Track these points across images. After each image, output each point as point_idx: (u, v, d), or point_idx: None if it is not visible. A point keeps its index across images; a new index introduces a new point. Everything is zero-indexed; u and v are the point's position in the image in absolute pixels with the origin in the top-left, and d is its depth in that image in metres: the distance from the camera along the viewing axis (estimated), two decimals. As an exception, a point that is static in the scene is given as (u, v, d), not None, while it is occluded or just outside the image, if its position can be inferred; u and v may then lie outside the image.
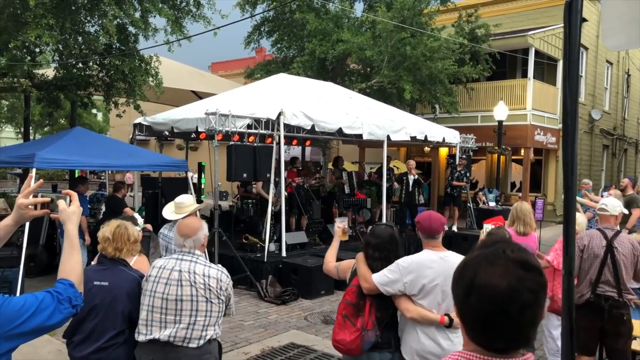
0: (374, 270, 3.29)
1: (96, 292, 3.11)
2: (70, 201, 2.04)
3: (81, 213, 2.05)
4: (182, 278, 3.08)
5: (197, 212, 8.61)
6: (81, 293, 1.87)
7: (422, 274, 3.14)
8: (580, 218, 5.29)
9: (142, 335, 3.12)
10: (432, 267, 3.16)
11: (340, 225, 3.94)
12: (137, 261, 3.84)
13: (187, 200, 4.91)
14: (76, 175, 12.65)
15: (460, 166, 12.89)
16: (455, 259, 3.21)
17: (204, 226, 3.28)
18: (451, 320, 3.11)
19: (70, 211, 2.00)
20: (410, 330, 3.21)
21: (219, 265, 3.27)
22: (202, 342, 3.07)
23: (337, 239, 3.91)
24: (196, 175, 15.48)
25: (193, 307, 3.06)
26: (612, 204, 4.69)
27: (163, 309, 3.07)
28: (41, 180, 2.41)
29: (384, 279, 3.21)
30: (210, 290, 3.09)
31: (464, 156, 13.16)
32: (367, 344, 3.22)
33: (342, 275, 3.68)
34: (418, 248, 3.42)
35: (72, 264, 1.91)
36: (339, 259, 3.90)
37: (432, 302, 3.15)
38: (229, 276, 3.25)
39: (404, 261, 3.22)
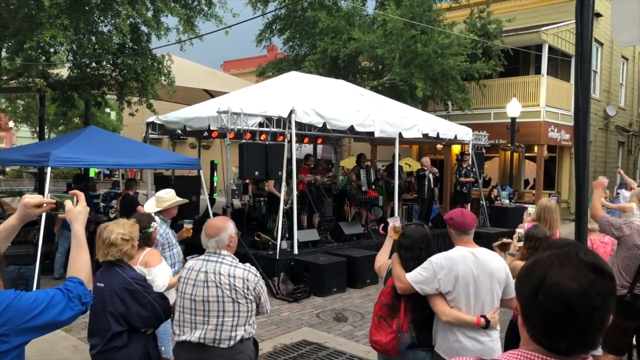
0: (408, 270, 3.32)
1: (96, 294, 3.14)
2: (78, 201, 2.05)
3: (87, 212, 2.07)
4: (208, 279, 3.08)
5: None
6: (90, 291, 1.90)
7: (454, 270, 3.16)
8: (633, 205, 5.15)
9: (176, 335, 3.18)
10: (463, 263, 3.18)
11: (396, 224, 3.87)
12: (147, 254, 3.87)
13: (166, 195, 4.95)
14: (91, 175, 12.78)
15: (465, 162, 12.86)
16: (486, 255, 3.24)
17: (229, 227, 3.22)
18: (488, 321, 3.12)
19: (76, 211, 2.02)
20: (447, 330, 3.22)
21: (247, 264, 3.23)
22: (232, 342, 3.07)
23: (390, 239, 3.87)
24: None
25: (220, 307, 3.05)
26: None
27: (192, 310, 3.10)
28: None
29: (418, 277, 3.23)
30: (236, 290, 3.07)
31: (467, 152, 13.14)
32: (403, 345, 3.26)
33: (381, 275, 3.72)
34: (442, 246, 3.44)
35: (80, 262, 1.93)
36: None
37: (466, 299, 3.16)
38: (258, 275, 3.21)
39: (437, 258, 3.24)
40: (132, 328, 3.14)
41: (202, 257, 3.23)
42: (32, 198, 2.06)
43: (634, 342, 4.61)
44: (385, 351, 3.30)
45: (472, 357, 1.34)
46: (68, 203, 2.03)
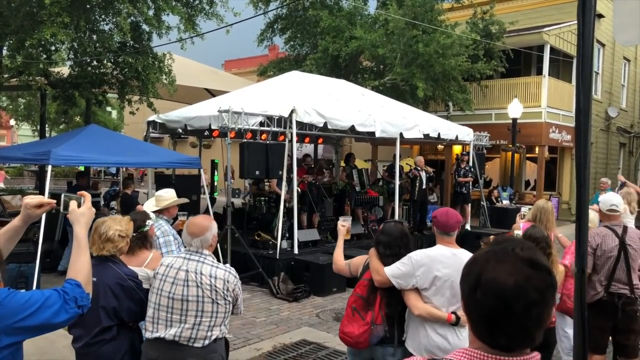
0: (386, 265, 3.33)
1: None
2: (84, 202, 2.03)
3: (92, 214, 2.03)
4: (189, 278, 3.06)
5: (211, 211, 8.60)
6: (88, 294, 1.87)
7: (434, 268, 3.17)
8: (592, 214, 5.22)
9: (148, 332, 3.13)
10: (443, 262, 3.19)
11: (344, 224, 3.99)
12: (153, 259, 3.84)
13: (165, 194, 4.93)
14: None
15: (464, 162, 12.86)
16: (466, 256, 3.22)
17: (213, 226, 3.21)
18: (458, 318, 3.14)
19: (79, 212, 1.99)
20: (419, 326, 3.23)
21: (227, 265, 3.24)
22: (207, 342, 3.06)
23: (342, 237, 3.97)
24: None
25: (199, 307, 3.03)
26: (619, 202, 4.68)
27: (169, 308, 3.07)
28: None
29: (396, 271, 3.25)
30: (216, 291, 3.05)
31: (465, 152, 13.13)
32: (374, 338, 3.27)
33: (354, 272, 3.71)
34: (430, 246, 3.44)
35: (80, 264, 1.91)
36: (348, 257, 3.93)
37: (441, 297, 3.18)
38: (237, 276, 3.21)
39: (416, 254, 3.26)
40: (121, 322, 3.15)
41: (182, 254, 3.19)
42: (32, 199, 2.05)
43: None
44: (356, 343, 3.29)
45: (422, 357, 1.36)
46: (73, 204, 2.01)
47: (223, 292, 3.07)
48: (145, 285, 3.33)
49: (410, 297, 3.23)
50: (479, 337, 1.26)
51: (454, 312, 3.15)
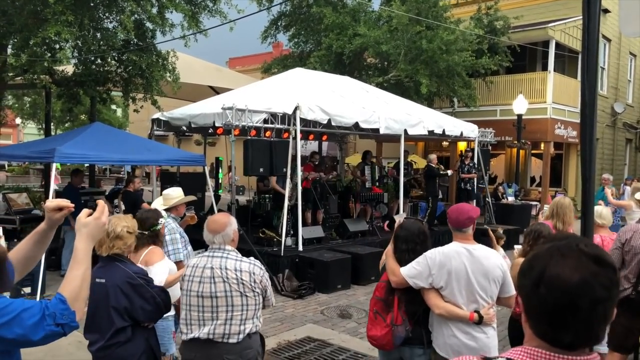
0: (403, 262, 3.32)
1: (96, 290, 3.08)
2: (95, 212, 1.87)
3: (99, 226, 1.84)
4: (215, 275, 3.09)
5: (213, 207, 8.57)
6: (74, 311, 1.67)
7: (448, 265, 3.15)
8: (605, 211, 5.16)
9: (184, 334, 3.17)
10: (457, 259, 3.16)
11: (402, 221, 3.72)
12: (148, 252, 3.84)
13: (173, 192, 4.96)
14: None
15: (467, 159, 12.84)
16: (483, 252, 3.22)
17: (233, 221, 3.25)
18: (481, 317, 3.11)
19: (81, 222, 1.82)
20: (443, 325, 3.21)
21: (252, 258, 3.24)
22: (241, 336, 3.08)
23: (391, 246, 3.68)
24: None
25: (228, 302, 3.06)
26: None
27: (200, 307, 3.10)
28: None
29: (411, 271, 3.23)
30: (243, 284, 3.08)
31: (469, 149, 13.13)
32: (397, 339, 3.25)
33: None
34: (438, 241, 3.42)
35: (71, 277, 1.73)
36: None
37: (459, 295, 3.15)
38: (263, 268, 3.23)
39: (431, 253, 3.24)
40: (135, 323, 3.13)
41: (205, 253, 3.23)
42: (50, 202, 1.99)
43: None
44: (381, 346, 3.30)
45: (475, 356, 1.31)
46: (83, 212, 1.86)
47: (250, 285, 3.10)
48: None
49: (430, 296, 3.21)
50: (540, 335, 1.23)
51: (476, 311, 3.13)
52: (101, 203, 1.91)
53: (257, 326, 3.18)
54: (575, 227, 7.44)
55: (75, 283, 1.71)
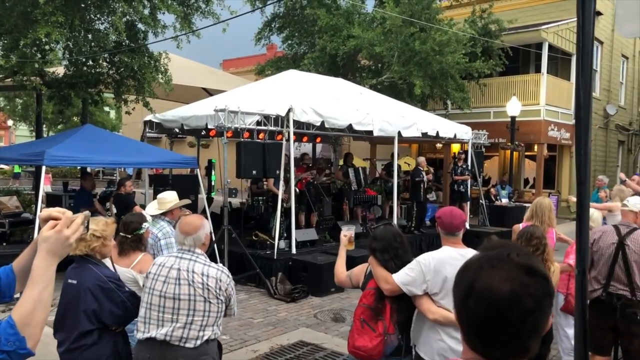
0: (390, 270, 3.20)
1: (68, 291, 3.04)
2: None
3: (60, 240, 1.54)
4: (181, 277, 3.02)
5: (207, 210, 8.53)
6: (24, 337, 1.44)
7: (443, 271, 3.08)
8: (595, 214, 5.16)
9: (140, 332, 3.08)
10: (452, 264, 3.07)
11: (346, 234, 3.75)
12: (141, 260, 3.79)
13: (168, 196, 4.91)
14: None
15: (460, 161, 12.84)
16: None
17: (206, 225, 3.20)
18: None
19: (41, 237, 1.54)
20: (431, 330, 3.15)
21: (220, 264, 3.21)
22: (199, 342, 3.01)
23: (343, 248, 3.75)
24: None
25: (190, 306, 3.00)
26: (634, 201, 4.61)
27: (161, 307, 3.03)
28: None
29: (406, 278, 3.12)
30: (208, 290, 3.02)
31: (462, 151, 13.14)
32: (389, 349, 3.15)
33: (355, 283, 3.55)
34: (430, 246, 3.37)
35: (22, 299, 1.49)
36: (347, 256, 3.81)
37: (450, 300, 3.08)
38: (230, 276, 3.17)
39: (424, 258, 3.15)
40: (104, 326, 3.07)
41: (174, 253, 3.18)
42: (44, 212, 1.69)
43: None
44: (369, 357, 3.16)
45: None
46: (48, 224, 1.57)
47: (215, 291, 3.04)
48: (132, 287, 3.25)
49: (422, 301, 3.13)
50: (472, 347, 1.19)
51: None
52: (67, 214, 1.59)
53: (216, 334, 3.11)
54: (565, 229, 7.45)
55: (27, 306, 1.46)
